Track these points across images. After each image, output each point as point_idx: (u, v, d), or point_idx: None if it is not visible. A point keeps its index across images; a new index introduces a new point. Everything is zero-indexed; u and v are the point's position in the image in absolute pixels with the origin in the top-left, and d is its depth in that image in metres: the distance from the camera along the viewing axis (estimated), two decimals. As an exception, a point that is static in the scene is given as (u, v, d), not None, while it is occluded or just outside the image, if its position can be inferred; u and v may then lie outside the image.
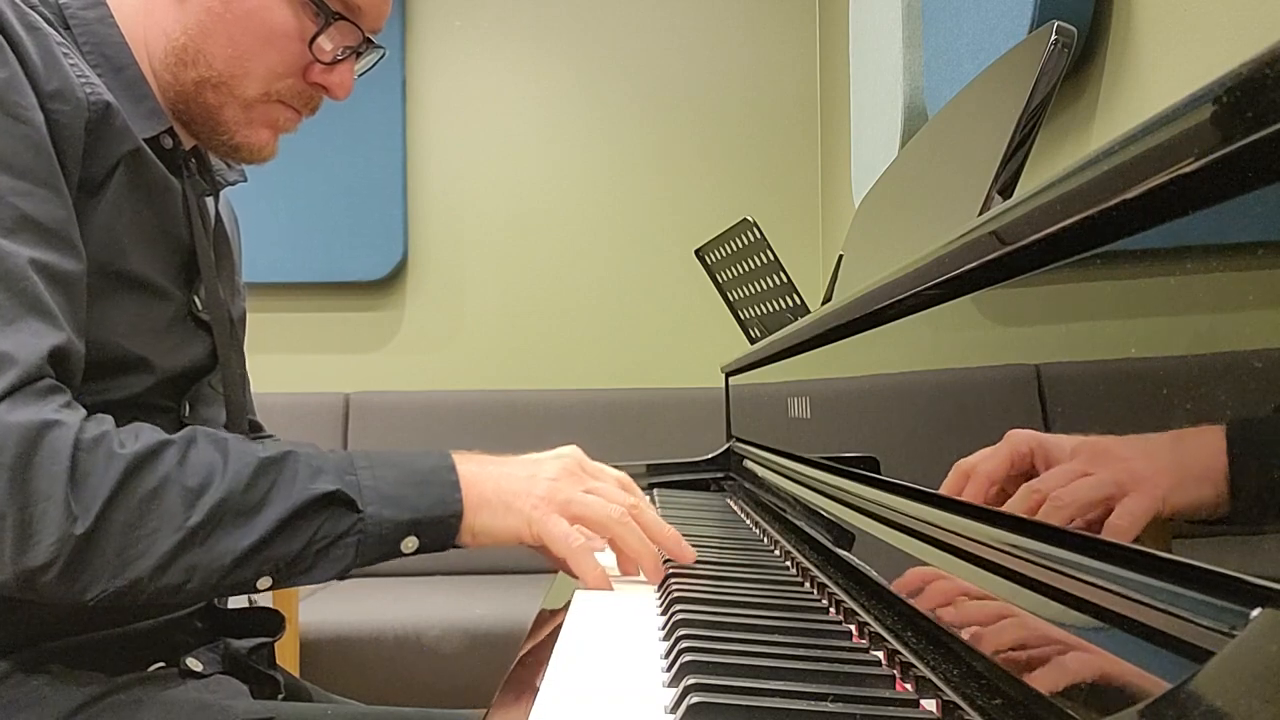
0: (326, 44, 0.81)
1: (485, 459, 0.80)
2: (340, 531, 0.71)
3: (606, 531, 0.77)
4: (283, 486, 0.70)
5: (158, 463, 0.67)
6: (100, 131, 0.73)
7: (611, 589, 0.76)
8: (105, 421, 0.67)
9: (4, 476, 0.62)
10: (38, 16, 0.73)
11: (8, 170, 0.67)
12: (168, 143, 0.82)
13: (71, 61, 0.73)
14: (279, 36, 0.80)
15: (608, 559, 0.80)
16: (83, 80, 0.73)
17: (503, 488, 0.76)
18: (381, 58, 0.88)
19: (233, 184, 0.93)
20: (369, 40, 0.84)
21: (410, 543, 0.73)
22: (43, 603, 0.67)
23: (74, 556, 0.63)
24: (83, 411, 0.67)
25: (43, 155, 0.69)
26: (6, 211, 0.66)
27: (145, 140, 0.78)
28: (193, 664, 0.81)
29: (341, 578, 0.73)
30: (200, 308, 0.84)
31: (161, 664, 0.80)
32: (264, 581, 0.71)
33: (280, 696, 0.89)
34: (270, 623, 0.92)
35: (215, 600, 0.89)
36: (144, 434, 0.68)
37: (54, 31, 0.74)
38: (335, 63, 0.82)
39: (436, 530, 0.74)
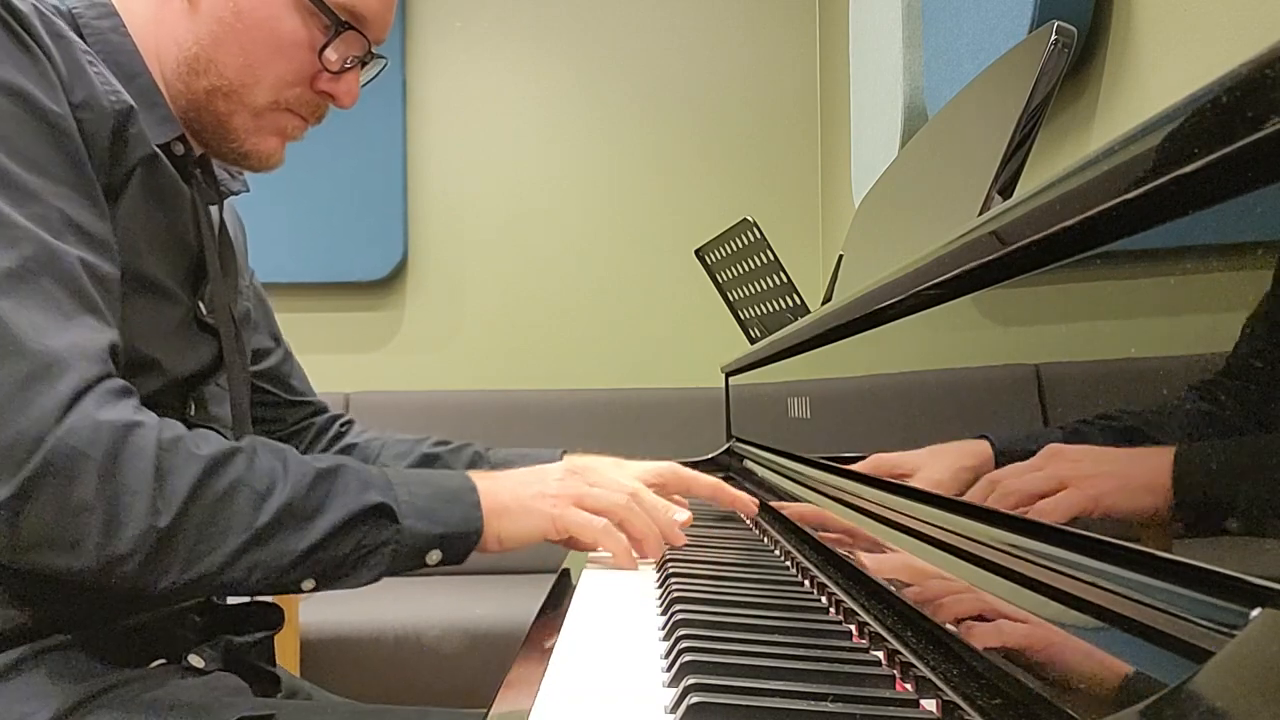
0: (333, 53, 0.84)
1: (495, 474, 0.85)
2: (380, 541, 0.75)
3: (615, 517, 0.83)
4: (337, 495, 0.74)
5: (230, 466, 0.71)
6: (121, 136, 0.76)
7: (637, 568, 0.84)
8: (178, 425, 0.71)
9: (95, 472, 0.65)
10: (64, 25, 0.75)
11: (48, 176, 0.70)
12: (179, 150, 0.83)
13: (96, 70, 0.76)
14: (289, 45, 0.82)
15: None
16: (107, 88, 0.75)
17: (518, 494, 0.82)
18: (383, 68, 0.90)
19: (236, 194, 0.96)
20: (372, 51, 0.87)
21: (434, 555, 0.78)
22: (111, 589, 0.70)
23: (154, 549, 0.67)
24: (154, 414, 0.70)
25: (78, 162, 0.72)
26: (52, 214, 0.69)
27: (157, 146, 0.80)
28: (194, 660, 0.82)
29: (375, 580, 0.77)
30: (205, 312, 0.87)
31: (163, 660, 0.81)
32: (308, 583, 0.75)
33: (279, 695, 0.90)
34: (270, 617, 0.93)
35: (214, 597, 0.89)
36: (213, 439, 0.72)
37: (78, 40, 0.76)
38: (342, 72, 0.85)
39: (459, 544, 0.79)
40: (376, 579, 0.77)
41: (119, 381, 0.69)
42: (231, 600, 0.92)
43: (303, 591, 0.76)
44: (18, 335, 0.65)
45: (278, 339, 1.10)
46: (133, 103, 0.77)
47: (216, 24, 0.81)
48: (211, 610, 0.89)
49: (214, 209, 0.92)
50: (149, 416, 0.69)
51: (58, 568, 0.67)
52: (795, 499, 0.98)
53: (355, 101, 0.87)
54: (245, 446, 0.73)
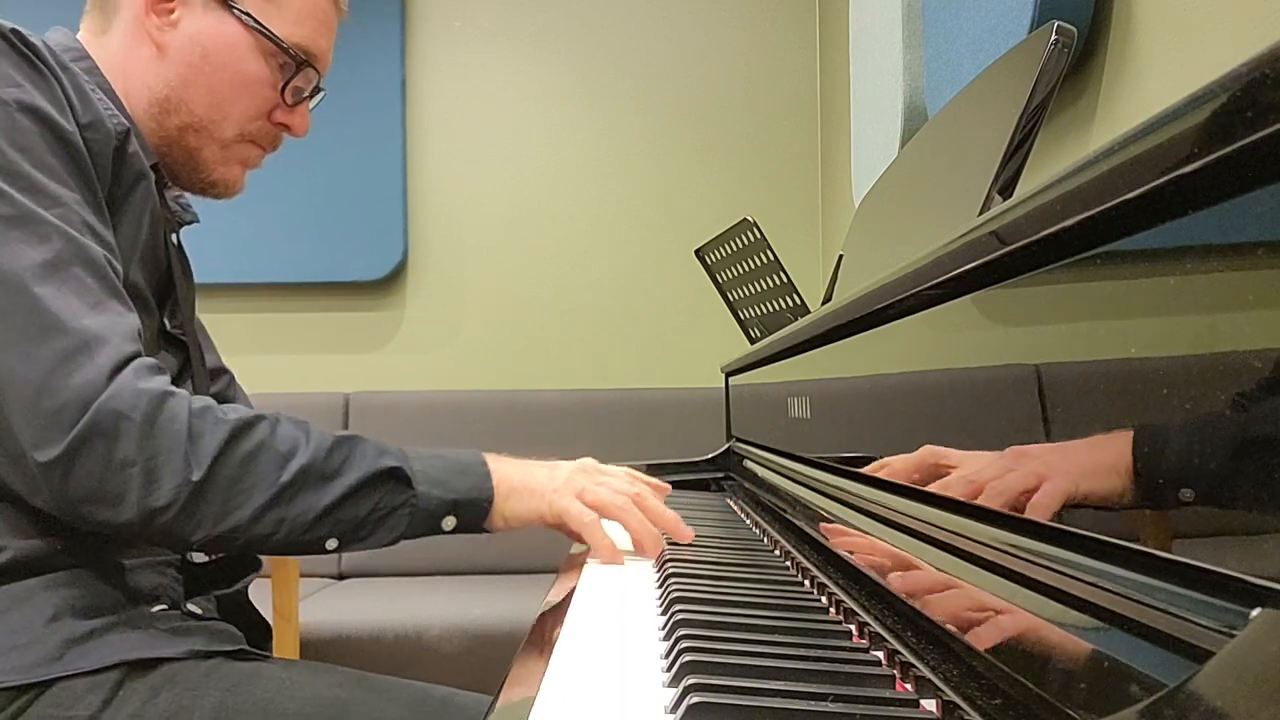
0: (292, 88, 0.94)
1: (510, 459, 0.92)
2: (397, 504, 0.83)
3: (613, 514, 0.90)
4: (355, 460, 0.82)
5: (254, 431, 0.79)
6: (121, 155, 0.85)
7: (621, 561, 0.87)
8: (207, 398, 0.80)
9: (135, 432, 0.73)
10: (67, 58, 0.84)
11: (66, 185, 0.78)
12: (152, 176, 0.90)
13: (98, 96, 0.84)
14: (253, 84, 0.92)
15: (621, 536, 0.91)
16: (108, 111, 0.84)
17: (527, 478, 0.90)
18: (322, 97, 1.01)
19: (188, 224, 1.04)
20: (317, 85, 0.98)
21: (450, 521, 0.86)
22: (151, 542, 0.81)
23: (189, 501, 0.75)
24: (184, 389, 0.78)
25: (88, 175, 0.81)
26: (75, 218, 0.78)
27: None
28: (194, 608, 0.88)
29: (394, 543, 0.85)
30: (170, 326, 0.94)
31: (164, 606, 0.86)
32: (332, 542, 0.82)
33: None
34: (247, 562, 0.99)
35: (187, 556, 0.94)
36: (239, 409, 0.80)
37: (81, 71, 0.85)
38: (296, 104, 0.96)
39: (472, 511, 0.86)
40: (397, 540, 0.84)
41: (152, 360, 0.78)
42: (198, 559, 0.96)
43: (327, 551, 0.82)
44: (59, 316, 0.73)
45: (223, 366, 1.14)
46: (130, 125, 0.85)
47: (185, 68, 0.90)
48: (188, 567, 0.94)
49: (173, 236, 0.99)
50: (181, 390, 0.77)
51: (103, 519, 0.75)
52: (798, 499, 0.98)
53: (308, 130, 0.98)
54: (269, 416, 0.81)
